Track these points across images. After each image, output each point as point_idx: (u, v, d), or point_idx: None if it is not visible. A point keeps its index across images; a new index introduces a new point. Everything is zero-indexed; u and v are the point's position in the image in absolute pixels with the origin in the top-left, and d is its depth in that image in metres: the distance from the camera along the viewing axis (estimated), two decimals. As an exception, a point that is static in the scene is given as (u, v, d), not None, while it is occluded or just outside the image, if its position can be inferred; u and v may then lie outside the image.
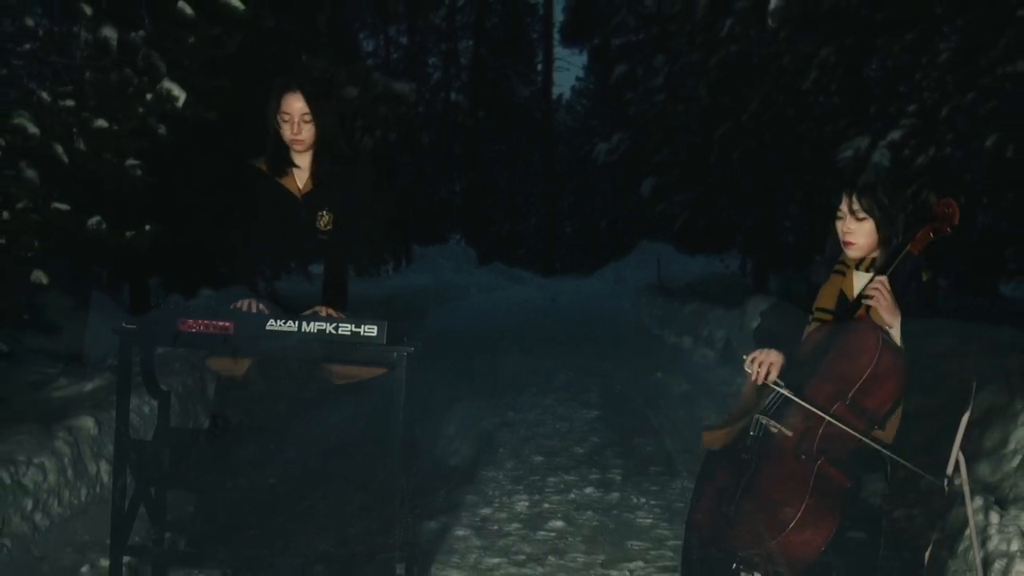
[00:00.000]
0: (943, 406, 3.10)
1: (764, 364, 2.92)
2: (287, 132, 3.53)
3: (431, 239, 29.04)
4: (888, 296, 2.80)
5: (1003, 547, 3.45)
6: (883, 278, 2.84)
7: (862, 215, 2.96)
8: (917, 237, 2.90)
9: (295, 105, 3.51)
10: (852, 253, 3.00)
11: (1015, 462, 4.19)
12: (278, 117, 3.53)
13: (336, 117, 3.64)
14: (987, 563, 3.44)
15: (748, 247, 18.10)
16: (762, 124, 14.43)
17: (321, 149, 3.60)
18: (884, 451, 2.78)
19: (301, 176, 3.63)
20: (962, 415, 2.98)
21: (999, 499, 3.90)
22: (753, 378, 2.93)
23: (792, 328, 3.11)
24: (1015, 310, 12.16)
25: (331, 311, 3.46)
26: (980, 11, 9.13)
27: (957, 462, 3.06)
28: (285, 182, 3.62)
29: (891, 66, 10.79)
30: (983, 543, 3.52)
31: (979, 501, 3.70)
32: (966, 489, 3.19)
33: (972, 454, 4.28)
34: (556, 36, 34.93)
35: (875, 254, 3.00)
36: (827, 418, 2.73)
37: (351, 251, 3.73)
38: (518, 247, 37.77)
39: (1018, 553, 3.35)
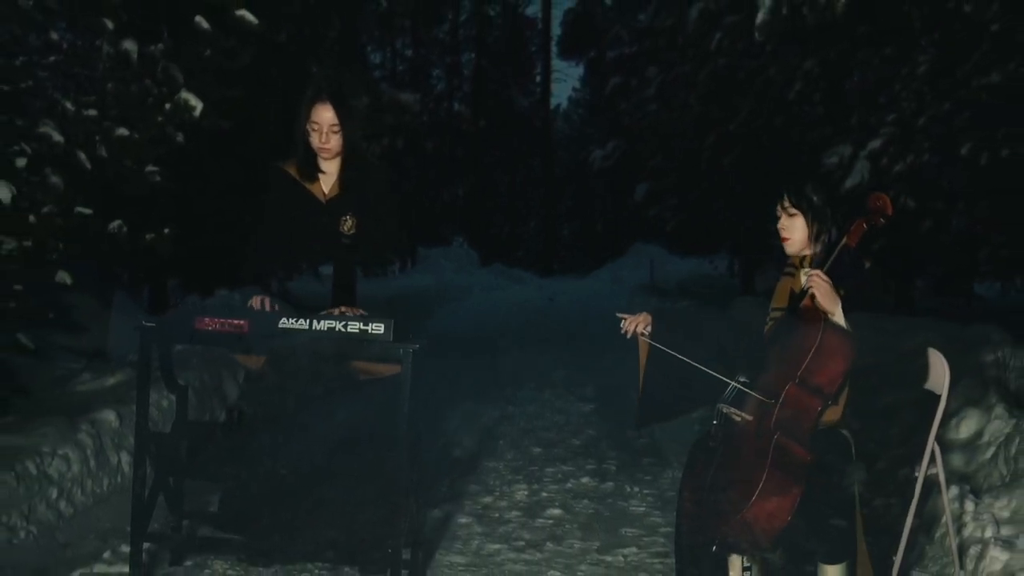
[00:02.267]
0: (919, 400, 3.11)
1: (632, 321, 3.16)
2: (315, 140, 3.52)
3: (435, 241, 29.01)
4: (825, 283, 2.85)
5: (978, 534, 3.46)
6: (817, 270, 2.91)
7: (793, 211, 3.05)
8: (852, 230, 2.96)
9: (324, 115, 3.50)
10: (789, 249, 3.10)
11: (989, 453, 4.19)
12: (308, 126, 3.53)
13: (363, 126, 3.63)
14: (962, 549, 3.45)
15: (736, 249, 18.09)
16: (750, 133, 14.43)
17: (347, 157, 3.60)
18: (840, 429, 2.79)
19: (327, 182, 3.62)
20: (937, 408, 2.99)
21: (974, 488, 3.90)
22: (623, 330, 3.18)
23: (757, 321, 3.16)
24: (1004, 309, 12.17)
25: (351, 310, 3.46)
26: (956, 26, 9.14)
27: (933, 453, 3.07)
28: (311, 187, 3.61)
29: (872, 78, 10.80)
30: (959, 530, 3.53)
31: (955, 490, 3.70)
32: (942, 479, 3.20)
33: (948, 445, 4.29)
34: (554, 49, 34.93)
35: (811, 250, 3.06)
36: (777, 403, 2.77)
37: (371, 254, 3.73)
38: (518, 249, 37.72)
39: (992, 540, 3.35)
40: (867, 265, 2.99)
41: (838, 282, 2.89)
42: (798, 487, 2.68)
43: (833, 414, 2.92)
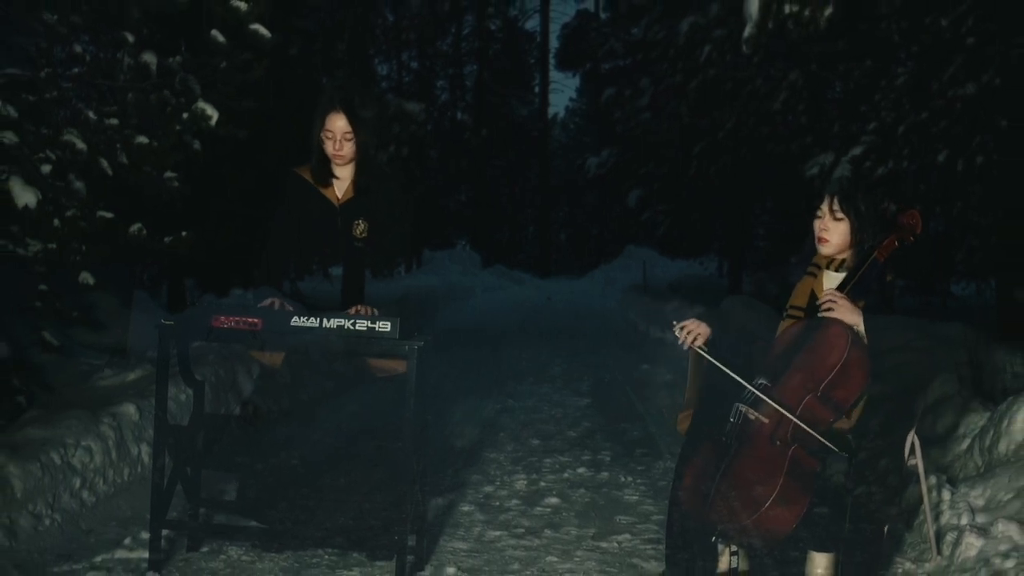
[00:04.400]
0: (898, 394, 3.10)
1: (692, 332, 2.93)
2: (329, 147, 3.52)
3: (440, 244, 29.00)
4: (843, 304, 2.79)
5: (954, 521, 3.45)
6: (833, 290, 2.85)
7: (840, 215, 2.96)
8: (883, 245, 2.90)
9: (338, 123, 3.49)
10: (824, 250, 3.00)
11: (964, 445, 4.19)
12: (322, 134, 3.52)
13: (375, 134, 3.61)
14: (939, 536, 3.44)
15: (724, 251, 18.08)
16: (736, 141, 14.44)
17: (360, 163, 3.59)
18: (828, 444, 2.75)
19: (340, 187, 3.61)
20: (917, 402, 2.98)
21: (950, 478, 3.90)
22: (680, 341, 2.94)
23: (762, 321, 3.10)
24: (979, 308, 12.16)
25: (365, 309, 3.44)
26: (933, 40, 9.15)
27: (913, 444, 3.06)
28: (325, 191, 3.60)
29: (853, 88, 10.81)
30: (936, 518, 3.52)
31: (932, 480, 3.69)
32: (921, 469, 3.19)
33: (926, 437, 4.28)
34: (552, 61, 34.90)
35: (845, 255, 3.00)
36: (794, 419, 2.72)
37: (381, 257, 3.72)
38: (518, 252, 37.68)
39: (967, 527, 3.35)
40: (889, 279, 2.94)
41: (861, 295, 2.84)
42: (807, 497, 2.64)
43: (843, 423, 2.88)
